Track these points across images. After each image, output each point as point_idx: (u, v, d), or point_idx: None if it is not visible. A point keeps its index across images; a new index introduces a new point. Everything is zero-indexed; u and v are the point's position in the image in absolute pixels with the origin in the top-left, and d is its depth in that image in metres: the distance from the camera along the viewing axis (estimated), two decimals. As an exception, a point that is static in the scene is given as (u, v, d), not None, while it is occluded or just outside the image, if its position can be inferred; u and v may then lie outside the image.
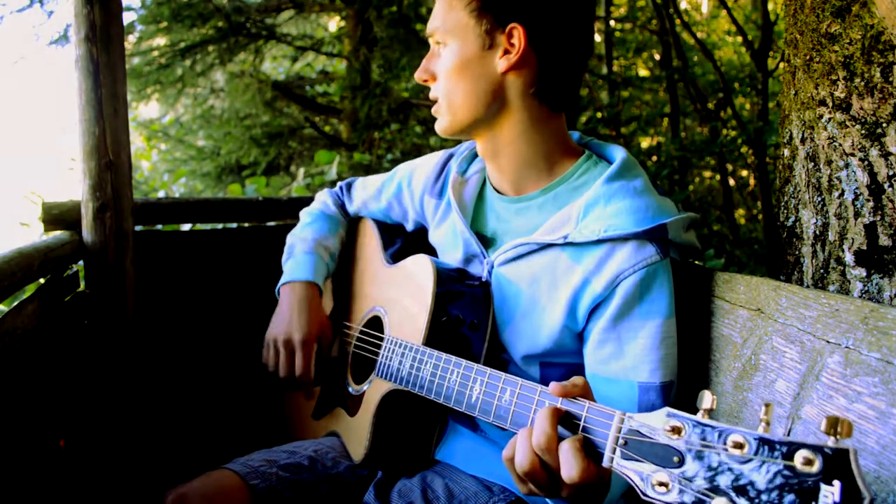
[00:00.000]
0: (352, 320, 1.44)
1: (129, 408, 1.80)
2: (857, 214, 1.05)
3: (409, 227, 1.47)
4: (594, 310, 1.06)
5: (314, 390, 1.50)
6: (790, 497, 0.57)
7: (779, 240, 1.28)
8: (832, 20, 1.04)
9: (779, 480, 0.58)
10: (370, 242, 1.50)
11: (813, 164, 1.15)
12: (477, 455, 1.19)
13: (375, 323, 1.34)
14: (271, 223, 2.20)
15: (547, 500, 0.86)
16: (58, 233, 1.73)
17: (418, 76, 1.18)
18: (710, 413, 0.67)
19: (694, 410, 0.69)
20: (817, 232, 1.15)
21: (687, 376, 1.09)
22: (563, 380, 0.85)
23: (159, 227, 2.04)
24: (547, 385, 0.85)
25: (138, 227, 1.89)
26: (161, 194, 6.52)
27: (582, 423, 0.79)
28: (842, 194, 1.08)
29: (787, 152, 1.25)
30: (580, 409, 0.80)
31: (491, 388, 0.94)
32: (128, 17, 5.02)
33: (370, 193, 1.51)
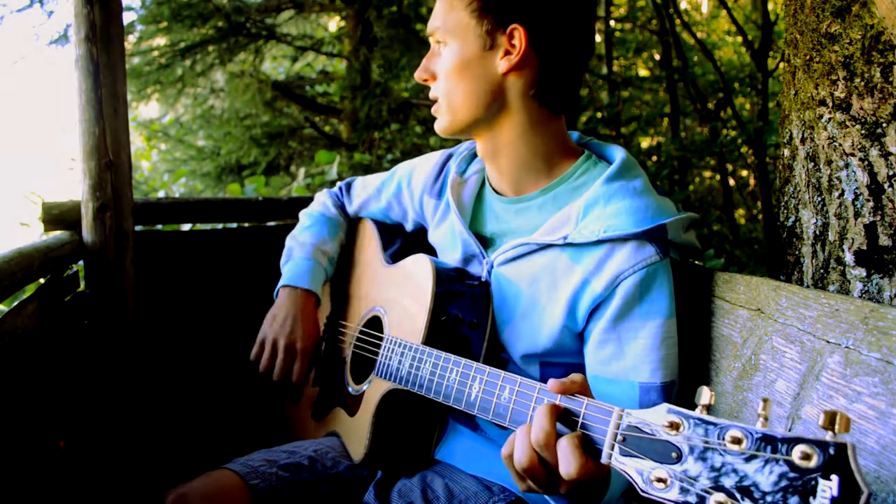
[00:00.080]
0: (351, 320, 1.44)
1: (128, 408, 1.80)
2: (857, 214, 1.05)
3: (409, 227, 1.47)
4: (594, 310, 1.06)
5: (310, 391, 1.50)
6: (788, 491, 0.57)
7: (779, 240, 1.28)
8: (832, 20, 1.04)
9: (777, 475, 0.58)
10: (370, 243, 1.50)
11: (813, 164, 1.15)
12: (477, 455, 1.19)
13: (375, 323, 1.34)
14: (271, 223, 2.20)
15: (547, 497, 0.86)
16: (58, 233, 1.73)
17: (418, 75, 1.18)
18: (709, 410, 0.67)
19: (693, 409, 0.68)
20: (817, 232, 1.15)
21: (687, 376, 1.08)
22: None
23: (159, 227, 2.04)
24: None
25: (138, 227, 1.89)
26: (161, 194, 6.52)
27: (580, 420, 0.79)
28: (842, 194, 1.08)
29: (787, 152, 1.25)
30: (579, 406, 0.80)
31: (490, 387, 0.94)
32: (128, 17, 5.02)
33: (370, 193, 1.51)
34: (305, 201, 1.70)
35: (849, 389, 0.79)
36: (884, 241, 1.02)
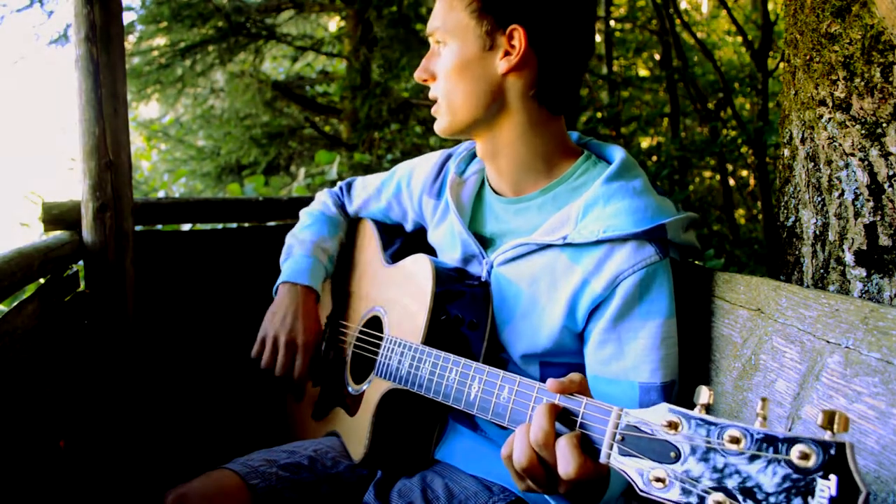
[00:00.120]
0: (351, 320, 1.44)
1: (128, 408, 1.80)
2: (857, 214, 1.05)
3: (409, 227, 1.47)
4: (594, 310, 1.06)
5: (311, 391, 1.50)
6: (787, 491, 0.57)
7: (779, 240, 1.28)
8: (832, 20, 1.04)
9: (775, 475, 0.58)
10: (370, 243, 1.50)
11: (813, 164, 1.15)
12: (477, 455, 1.19)
13: (375, 323, 1.34)
14: (271, 223, 2.20)
15: (546, 497, 0.86)
16: (58, 233, 1.73)
17: (418, 76, 1.18)
18: (708, 409, 0.67)
19: (692, 408, 0.68)
20: (817, 232, 1.15)
21: (687, 376, 1.08)
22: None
23: (159, 227, 2.04)
24: None
25: (138, 227, 1.89)
26: (161, 194, 6.52)
27: (579, 420, 0.79)
28: (842, 194, 1.08)
29: (787, 152, 1.25)
30: (577, 406, 0.80)
31: (489, 386, 0.94)
32: (128, 17, 5.02)
33: (370, 193, 1.51)
34: (305, 201, 1.70)
35: (849, 389, 0.79)
36: (884, 241, 1.02)
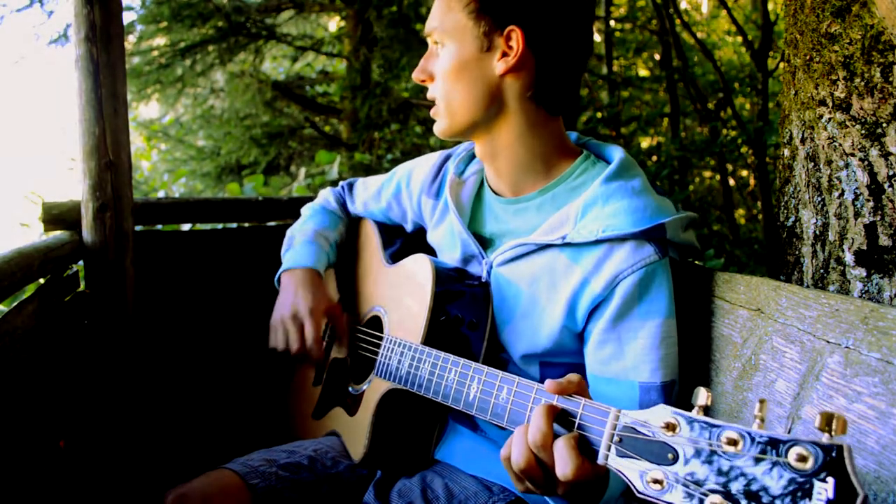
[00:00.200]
0: (352, 320, 1.44)
1: (128, 408, 1.80)
2: (857, 214, 1.05)
3: (409, 227, 1.47)
4: (594, 310, 1.06)
5: (311, 391, 1.50)
6: (784, 492, 0.57)
7: (779, 240, 1.28)
8: (832, 20, 1.04)
9: (773, 476, 0.58)
10: (370, 243, 1.50)
11: (813, 164, 1.15)
12: (476, 455, 1.19)
13: (375, 323, 1.34)
14: (271, 223, 2.20)
15: (546, 498, 0.86)
16: (58, 233, 1.73)
17: (416, 76, 1.18)
18: (707, 410, 0.67)
19: (690, 410, 0.68)
20: (817, 232, 1.15)
21: (687, 376, 1.08)
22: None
23: (159, 227, 2.04)
24: None
25: (138, 227, 1.89)
26: (161, 194, 6.52)
27: (577, 421, 0.79)
28: (842, 194, 1.08)
29: (787, 152, 1.25)
30: (576, 407, 0.80)
31: (488, 387, 0.94)
32: (128, 17, 5.02)
33: (370, 194, 1.52)
34: (305, 201, 1.69)
35: (849, 389, 0.79)
36: (884, 241, 1.02)
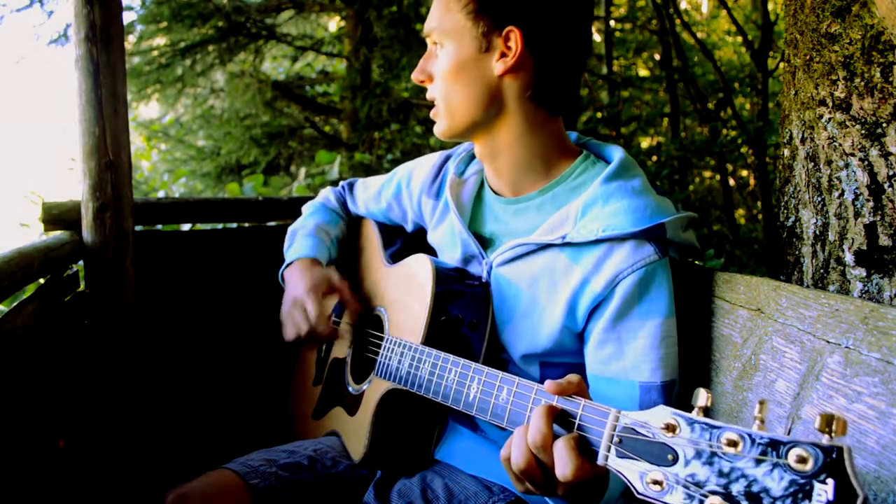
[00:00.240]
0: (352, 320, 1.44)
1: (128, 408, 1.80)
2: (857, 214, 1.05)
3: (409, 227, 1.47)
4: (594, 310, 1.06)
5: (311, 390, 1.50)
6: (784, 494, 0.57)
7: (779, 240, 1.28)
8: (832, 20, 1.04)
9: (773, 478, 0.58)
10: (370, 243, 1.50)
11: (813, 164, 1.15)
12: (476, 455, 1.19)
13: (376, 322, 1.34)
14: (271, 223, 2.20)
15: (546, 499, 0.86)
16: (58, 233, 1.73)
17: (415, 77, 1.18)
18: (707, 411, 0.67)
19: (690, 411, 0.68)
20: (817, 232, 1.15)
21: (687, 376, 1.09)
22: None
23: (159, 227, 2.04)
24: None
25: (138, 227, 1.89)
26: (161, 194, 6.52)
27: (577, 421, 0.79)
28: (842, 194, 1.08)
29: (787, 152, 1.25)
30: (575, 407, 0.80)
31: (488, 387, 0.94)
32: (128, 17, 5.02)
33: (371, 195, 1.52)
34: (305, 201, 1.70)
35: (849, 389, 0.79)
36: (884, 241, 1.02)
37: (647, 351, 1.03)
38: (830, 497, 0.54)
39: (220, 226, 2.86)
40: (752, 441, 0.60)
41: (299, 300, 1.32)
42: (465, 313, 1.14)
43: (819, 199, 1.14)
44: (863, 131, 1.02)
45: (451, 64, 1.11)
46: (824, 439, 0.57)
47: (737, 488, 0.60)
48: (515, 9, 1.06)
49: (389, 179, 1.47)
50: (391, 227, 1.52)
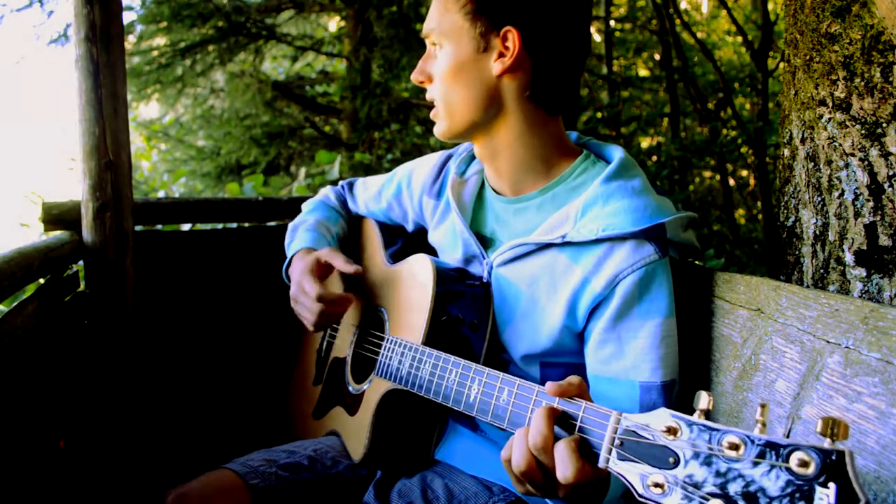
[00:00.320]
0: (353, 319, 1.44)
1: (129, 407, 1.80)
2: (857, 214, 1.05)
3: (410, 227, 1.47)
4: (594, 310, 1.06)
5: (311, 390, 1.50)
6: (783, 499, 0.57)
7: (779, 240, 1.28)
8: (832, 20, 1.04)
9: (775, 482, 0.58)
10: (371, 242, 1.50)
11: (813, 164, 1.15)
12: (477, 455, 1.19)
13: (377, 322, 1.34)
14: (271, 223, 2.20)
15: (547, 500, 0.86)
16: (58, 233, 1.73)
17: (414, 77, 1.18)
18: (708, 413, 0.67)
19: (692, 413, 0.68)
20: (817, 232, 1.15)
21: (687, 376, 1.09)
22: (563, 380, 0.85)
23: (159, 227, 2.04)
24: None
25: (138, 227, 1.89)
26: (161, 194, 6.52)
27: (578, 424, 0.79)
28: (842, 194, 1.08)
29: (787, 152, 1.25)
30: (577, 409, 0.80)
31: (489, 388, 0.94)
32: (128, 17, 5.02)
33: (371, 194, 1.52)
34: (305, 201, 1.70)
35: (849, 389, 0.79)
36: (884, 241, 1.02)
37: (648, 351, 1.03)
38: (832, 501, 0.54)
39: (220, 226, 2.86)
40: (754, 444, 0.60)
41: (300, 284, 1.31)
42: (466, 314, 1.14)
43: (819, 199, 1.14)
44: (863, 131, 1.02)
45: (449, 64, 1.11)
46: (826, 443, 0.57)
47: (738, 491, 0.60)
48: (513, 9, 1.06)
49: (390, 179, 1.47)
50: (392, 226, 1.52)
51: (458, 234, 1.24)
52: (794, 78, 1.18)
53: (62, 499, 1.51)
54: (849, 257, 1.07)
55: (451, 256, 1.27)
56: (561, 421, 0.80)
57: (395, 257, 1.39)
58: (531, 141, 1.14)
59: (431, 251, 1.35)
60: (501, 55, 1.08)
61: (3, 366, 1.24)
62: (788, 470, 0.57)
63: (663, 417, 0.69)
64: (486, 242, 1.23)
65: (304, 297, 1.29)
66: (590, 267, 1.05)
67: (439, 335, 1.13)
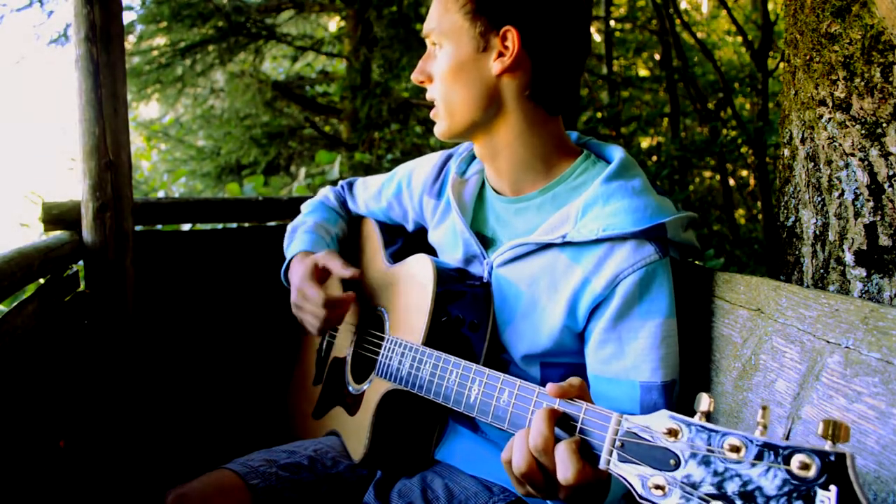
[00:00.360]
0: (353, 319, 1.44)
1: (129, 407, 1.80)
2: (857, 214, 1.05)
3: (410, 227, 1.47)
4: (594, 310, 1.06)
5: (311, 390, 1.50)
6: (783, 498, 0.57)
7: (779, 240, 1.28)
8: (832, 20, 1.04)
9: (775, 484, 0.58)
10: (371, 242, 1.50)
11: (813, 164, 1.15)
12: (477, 455, 1.19)
13: (377, 322, 1.34)
14: (271, 223, 2.20)
15: (547, 502, 0.86)
16: (58, 233, 1.73)
17: (415, 77, 1.18)
18: (709, 415, 0.67)
19: (692, 415, 0.68)
20: (817, 232, 1.15)
21: (687, 376, 1.09)
22: (563, 380, 0.85)
23: (159, 227, 2.04)
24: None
25: (138, 227, 1.89)
26: (161, 194, 6.52)
27: (579, 425, 0.79)
28: (842, 194, 1.08)
29: (787, 152, 1.25)
30: (577, 411, 0.80)
31: (489, 389, 0.94)
32: (128, 17, 5.02)
33: (371, 194, 1.52)
34: (305, 201, 1.70)
35: (849, 389, 0.79)
36: (884, 241, 1.02)
37: (648, 351, 1.03)
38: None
39: (220, 226, 2.86)
40: (755, 446, 0.60)
41: (301, 291, 1.31)
42: (466, 314, 1.14)
43: (819, 199, 1.14)
44: (863, 131, 1.02)
45: (449, 64, 1.11)
46: (827, 445, 0.56)
47: (739, 493, 0.60)
48: (512, 8, 1.06)
49: (390, 179, 1.47)
50: (392, 226, 1.52)
51: (459, 233, 1.24)
52: (794, 78, 1.18)
53: (62, 499, 1.51)
54: (849, 257, 1.07)
55: (452, 256, 1.27)
56: (562, 422, 0.80)
57: (395, 257, 1.39)
58: (531, 140, 1.14)
59: (431, 251, 1.35)
60: (501, 55, 1.08)
61: (3, 366, 1.24)
62: (789, 472, 0.57)
63: (664, 419, 0.69)
64: (486, 242, 1.23)
65: (307, 303, 1.29)
66: (590, 267, 1.05)
67: (439, 335, 1.13)
